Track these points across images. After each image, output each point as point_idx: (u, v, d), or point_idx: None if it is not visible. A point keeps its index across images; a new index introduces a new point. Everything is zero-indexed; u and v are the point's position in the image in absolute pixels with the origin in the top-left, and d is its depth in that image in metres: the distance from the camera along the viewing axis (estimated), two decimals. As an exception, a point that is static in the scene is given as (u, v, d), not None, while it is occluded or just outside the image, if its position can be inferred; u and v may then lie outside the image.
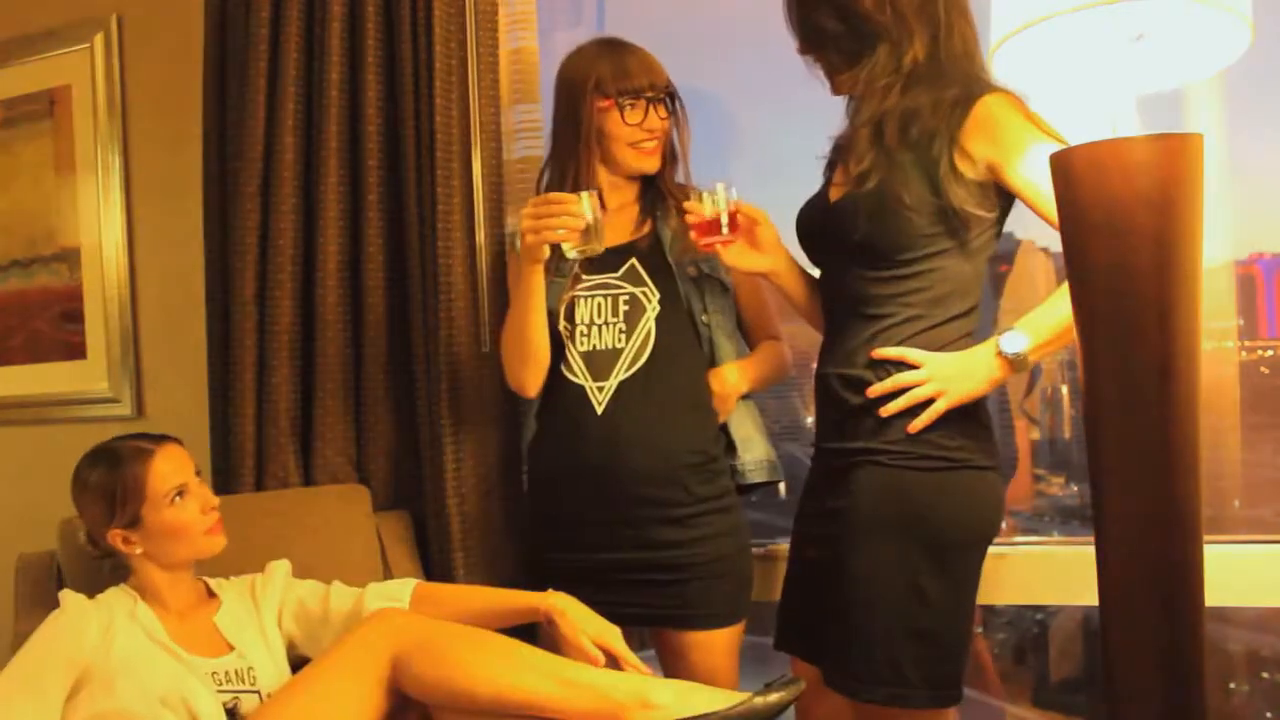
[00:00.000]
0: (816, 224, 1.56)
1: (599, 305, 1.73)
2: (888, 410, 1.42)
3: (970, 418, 1.44)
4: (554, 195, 1.57)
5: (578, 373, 1.71)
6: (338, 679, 1.39)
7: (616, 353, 1.70)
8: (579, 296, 1.74)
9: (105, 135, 2.45)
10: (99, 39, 2.44)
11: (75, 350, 2.52)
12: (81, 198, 2.49)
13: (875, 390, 1.43)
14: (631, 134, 1.71)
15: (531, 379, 1.72)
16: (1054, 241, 1.38)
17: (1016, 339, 1.41)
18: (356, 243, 1.98)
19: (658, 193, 1.79)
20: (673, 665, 1.70)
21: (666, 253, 1.75)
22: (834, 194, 1.53)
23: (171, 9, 2.34)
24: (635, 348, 1.70)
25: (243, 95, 2.00)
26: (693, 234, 1.56)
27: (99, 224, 2.47)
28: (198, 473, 1.57)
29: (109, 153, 2.45)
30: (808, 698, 1.56)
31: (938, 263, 1.44)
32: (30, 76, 2.54)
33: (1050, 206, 1.36)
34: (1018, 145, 1.39)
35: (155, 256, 2.43)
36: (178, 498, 1.52)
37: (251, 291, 1.99)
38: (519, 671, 1.37)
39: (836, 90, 1.53)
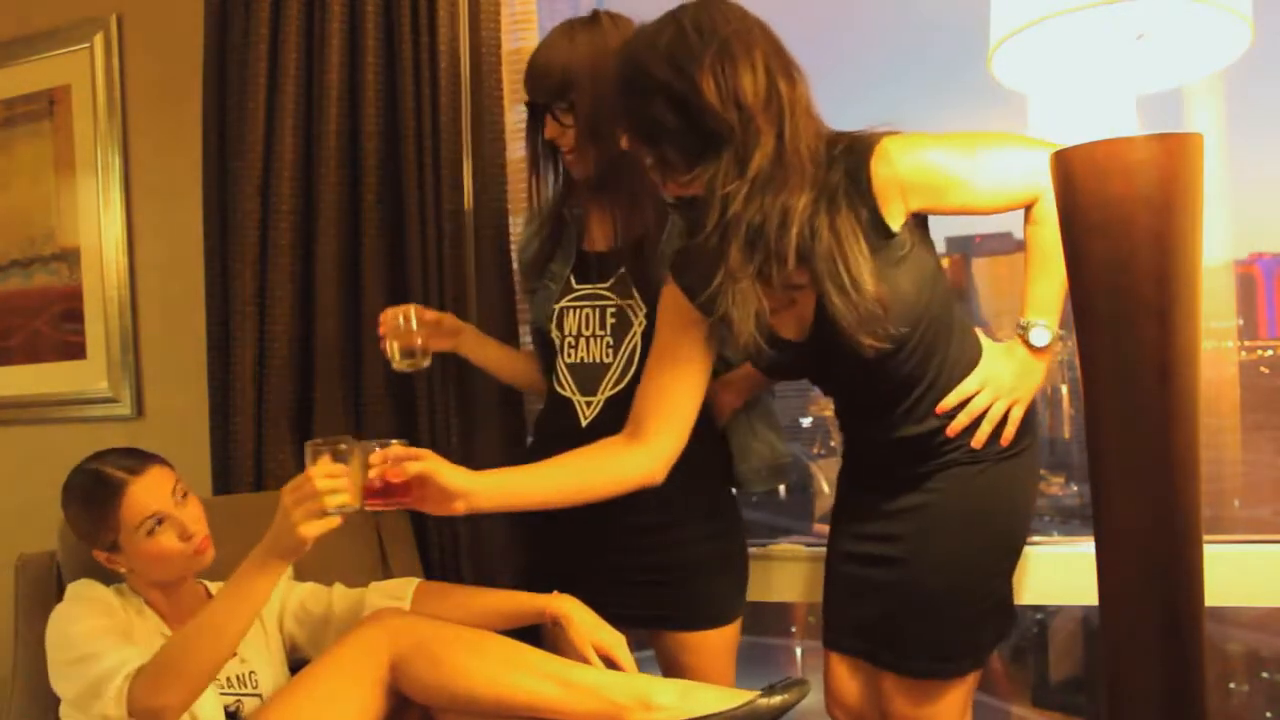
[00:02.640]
0: (793, 366, 1.49)
1: (587, 317, 1.66)
2: (979, 439, 1.43)
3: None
4: (385, 314, 1.64)
5: (565, 386, 1.67)
6: (337, 680, 1.39)
7: (604, 367, 1.64)
8: (568, 307, 1.68)
9: (105, 135, 2.45)
10: (99, 39, 2.44)
11: (75, 350, 2.52)
12: (81, 198, 2.49)
13: (955, 428, 1.43)
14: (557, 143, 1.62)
15: (529, 383, 1.80)
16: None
17: (1042, 333, 1.44)
18: (356, 243, 1.98)
19: (640, 193, 1.63)
20: (668, 666, 1.70)
21: (655, 264, 1.63)
22: (784, 331, 1.43)
23: (171, 9, 2.34)
24: (621, 364, 1.64)
25: (243, 95, 2.00)
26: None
27: (99, 224, 2.47)
28: (184, 494, 1.52)
29: (109, 153, 2.45)
30: (838, 684, 1.59)
31: (932, 315, 1.41)
32: (30, 76, 2.54)
33: (1000, 196, 1.39)
34: (943, 176, 1.36)
35: (155, 256, 2.43)
36: (156, 526, 1.47)
37: (251, 291, 1.99)
38: (519, 673, 1.37)
39: (668, 190, 1.41)
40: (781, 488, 1.88)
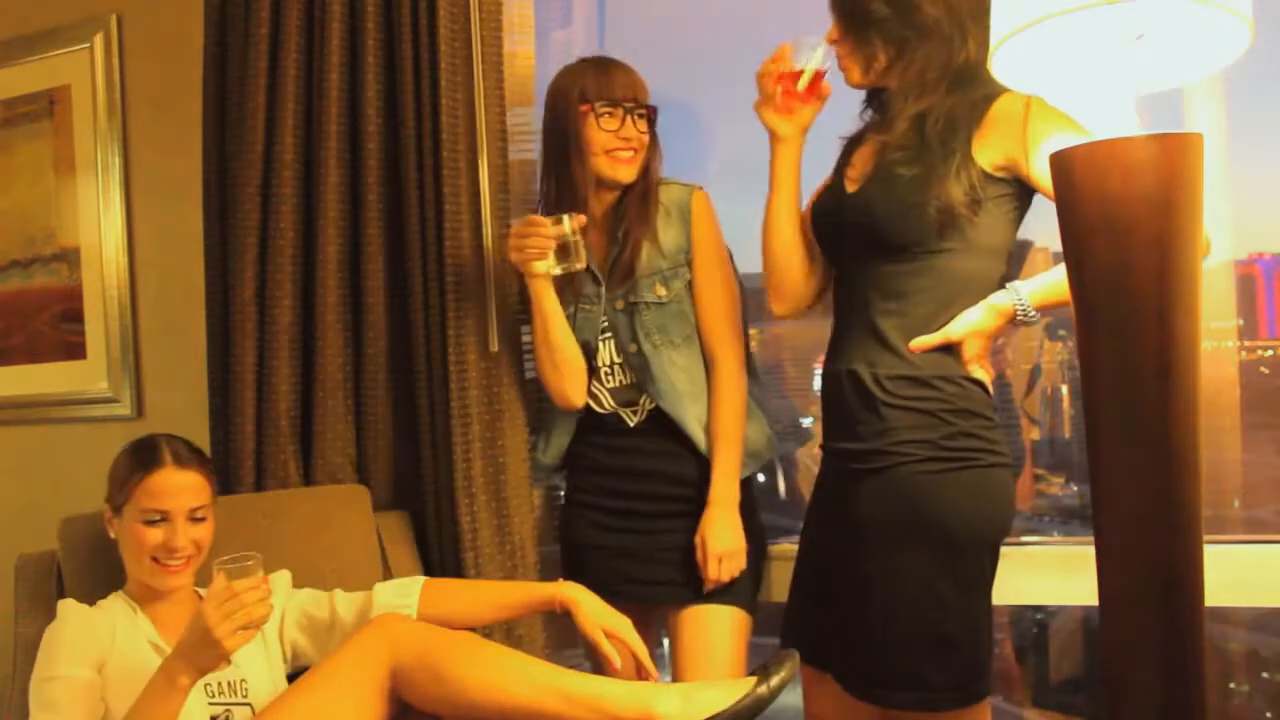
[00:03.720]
0: (832, 213, 1.56)
1: (611, 348, 1.83)
2: (919, 345, 1.45)
3: (973, 413, 1.44)
4: (531, 218, 1.69)
5: (606, 405, 1.85)
6: (337, 687, 1.39)
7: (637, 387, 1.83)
8: (603, 339, 1.83)
9: (105, 135, 2.45)
10: (99, 39, 2.44)
11: (75, 350, 2.52)
12: (81, 198, 2.49)
13: (920, 345, 1.45)
14: (607, 140, 1.76)
15: (571, 387, 1.81)
16: (1055, 241, 1.38)
17: (1009, 296, 1.44)
18: (356, 243, 1.98)
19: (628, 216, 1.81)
20: (681, 650, 1.76)
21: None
22: (850, 186, 1.54)
23: (171, 9, 2.34)
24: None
25: (243, 95, 2.00)
26: (772, 78, 1.57)
27: (99, 224, 2.47)
28: (202, 518, 1.53)
29: (109, 153, 2.45)
30: (809, 695, 1.60)
31: (948, 260, 1.45)
32: (30, 76, 2.54)
33: None
34: (1036, 140, 1.40)
35: (155, 256, 2.43)
36: (158, 521, 1.49)
37: (251, 291, 1.99)
38: (520, 685, 1.37)
39: (864, 79, 1.53)
40: (782, 487, 1.91)
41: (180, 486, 1.51)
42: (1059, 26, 1.21)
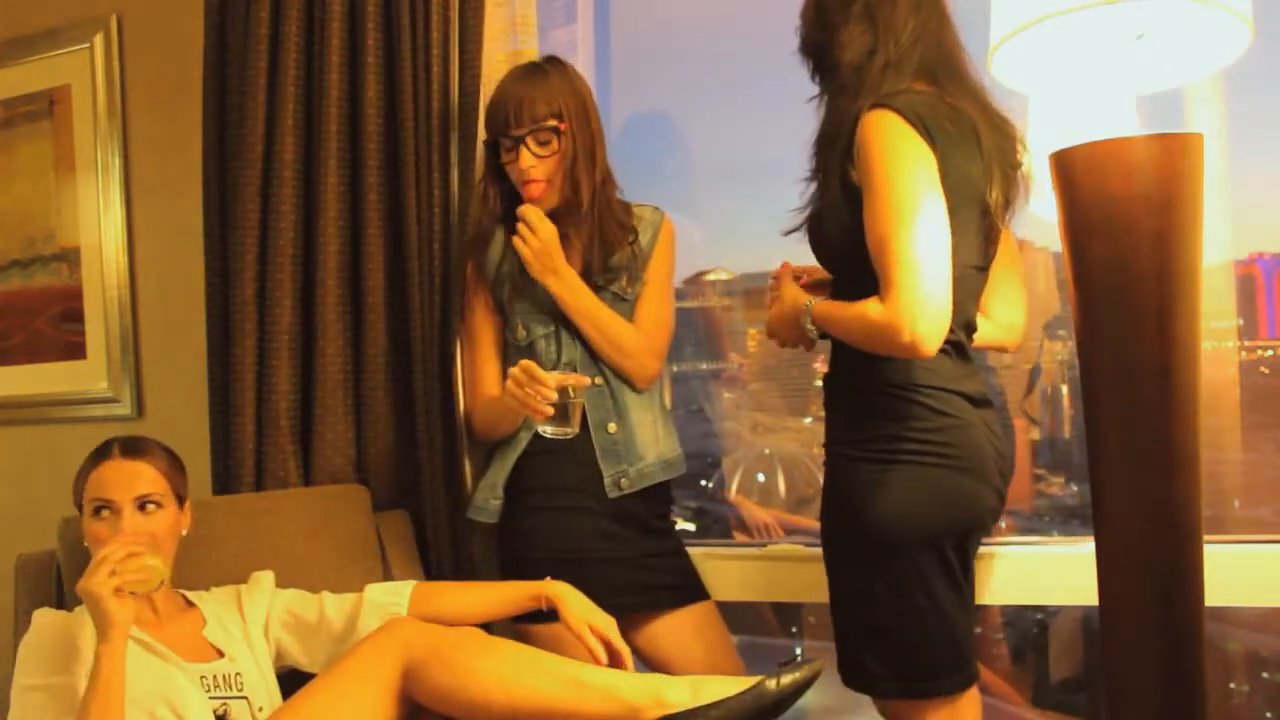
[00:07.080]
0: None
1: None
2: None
3: (918, 415, 1.38)
4: (534, 371, 1.55)
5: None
6: (350, 687, 1.39)
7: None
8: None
9: (105, 135, 2.45)
10: (99, 39, 2.44)
11: (75, 350, 2.52)
12: (81, 198, 2.49)
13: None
14: (514, 174, 1.74)
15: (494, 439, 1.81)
16: (1054, 241, 1.38)
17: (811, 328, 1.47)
18: (356, 243, 1.98)
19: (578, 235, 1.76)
20: (685, 644, 1.76)
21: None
22: None
23: (171, 9, 2.34)
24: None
25: (243, 95, 2.00)
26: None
27: (99, 224, 2.47)
28: (156, 506, 1.50)
29: (109, 153, 2.45)
30: None
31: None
32: (30, 76, 2.54)
33: (873, 252, 1.31)
34: (865, 182, 1.31)
35: (155, 256, 2.43)
36: (104, 511, 1.48)
37: (251, 292, 1.99)
38: (532, 675, 1.37)
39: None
40: (781, 486, 1.92)
41: (126, 474, 1.49)
42: (1059, 26, 1.21)
